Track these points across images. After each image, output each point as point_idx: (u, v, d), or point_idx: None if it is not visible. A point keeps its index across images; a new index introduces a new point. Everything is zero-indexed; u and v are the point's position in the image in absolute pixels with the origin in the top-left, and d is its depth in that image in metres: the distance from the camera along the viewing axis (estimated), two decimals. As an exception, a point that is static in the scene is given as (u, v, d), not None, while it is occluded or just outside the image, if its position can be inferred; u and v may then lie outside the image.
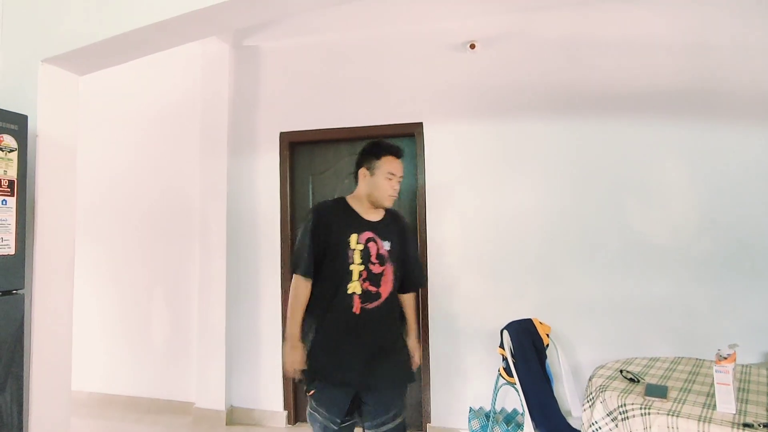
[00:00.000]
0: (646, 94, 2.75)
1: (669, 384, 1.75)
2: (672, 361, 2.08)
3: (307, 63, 3.36)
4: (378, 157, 1.91)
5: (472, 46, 3.04)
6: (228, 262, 3.31)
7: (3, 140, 1.68)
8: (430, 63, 3.13)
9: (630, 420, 1.53)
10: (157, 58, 2.55)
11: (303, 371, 1.82)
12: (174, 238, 3.51)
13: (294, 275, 1.87)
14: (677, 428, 1.40)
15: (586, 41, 2.86)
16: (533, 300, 2.81)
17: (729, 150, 2.61)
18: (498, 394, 2.63)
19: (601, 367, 2.04)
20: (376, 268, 1.84)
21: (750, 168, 2.57)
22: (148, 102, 3.66)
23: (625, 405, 1.58)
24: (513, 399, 2.73)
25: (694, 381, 1.80)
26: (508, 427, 2.52)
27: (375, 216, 1.92)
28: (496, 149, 2.99)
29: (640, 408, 1.52)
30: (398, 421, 1.85)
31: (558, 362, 2.57)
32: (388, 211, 1.98)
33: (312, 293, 1.86)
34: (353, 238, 1.83)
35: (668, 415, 1.44)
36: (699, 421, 1.39)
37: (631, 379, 1.83)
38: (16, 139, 1.72)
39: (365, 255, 1.82)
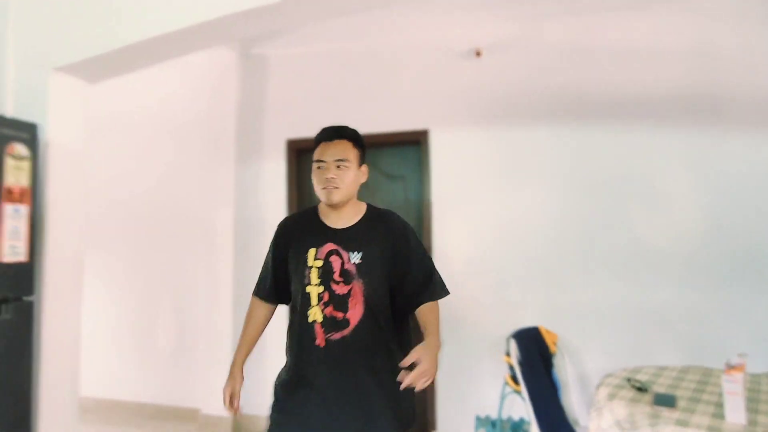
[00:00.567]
0: (651, 100, 2.75)
1: (677, 393, 1.74)
2: (680, 370, 2.07)
3: (314, 71, 3.39)
4: (314, 150, 1.55)
5: (478, 54, 3.06)
6: (235, 268, 3.32)
7: (14, 149, 1.70)
8: (436, 71, 3.15)
9: (638, 430, 1.52)
10: (164, 66, 2.58)
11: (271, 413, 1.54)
12: (181, 245, 3.53)
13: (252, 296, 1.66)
14: (686, 438, 1.39)
15: (591, 48, 2.87)
16: (539, 307, 2.81)
17: (735, 155, 2.60)
18: (504, 402, 2.62)
19: (609, 375, 2.03)
20: (340, 288, 1.46)
21: (756, 174, 2.57)
22: (155, 109, 3.70)
23: (633, 414, 1.57)
24: (520, 407, 2.72)
25: (703, 390, 1.78)
26: (514, 435, 2.50)
27: (347, 221, 1.52)
28: (502, 156, 2.99)
29: (649, 417, 1.51)
30: None
31: (565, 370, 2.56)
32: (369, 212, 1.56)
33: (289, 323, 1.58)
34: (311, 253, 1.48)
35: (677, 425, 1.43)
36: (708, 431, 1.38)
37: (639, 388, 1.82)
38: (27, 148, 1.74)
39: (325, 273, 1.46)
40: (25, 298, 1.72)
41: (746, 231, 2.56)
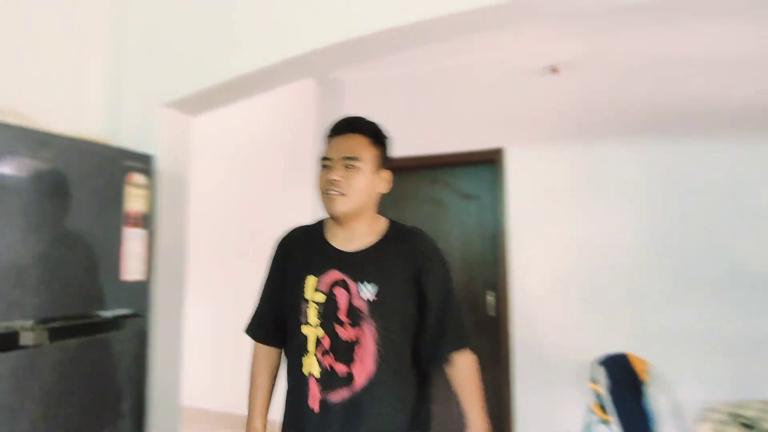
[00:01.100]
0: (739, 111, 2.59)
1: (795, 434, 1.60)
2: (794, 407, 1.90)
3: (388, 94, 3.49)
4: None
5: (555, 70, 3.02)
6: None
7: (134, 178, 1.90)
8: (511, 88, 3.14)
9: (754, 472, 1.42)
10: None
11: None
12: (263, 266, 3.71)
13: None
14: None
15: (672, 60, 2.75)
16: (626, 331, 2.68)
17: None
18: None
19: (710, 409, 1.91)
20: (345, 332, 1.11)
21: None
22: (239, 134, 3.94)
23: (746, 455, 1.47)
24: (606, 437, 2.60)
25: (826, 432, 1.64)
26: (602, 466, 2.40)
27: (360, 242, 1.17)
28: (582, 173, 2.92)
29: (766, 460, 1.41)
30: None
31: (657, 400, 2.42)
32: (391, 231, 1.20)
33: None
34: (309, 282, 1.15)
35: (801, 470, 1.33)
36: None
37: (747, 426, 1.69)
38: (145, 177, 1.94)
39: (327, 310, 1.12)
40: (142, 314, 1.89)
41: None
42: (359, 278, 1.12)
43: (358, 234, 1.18)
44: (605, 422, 2.32)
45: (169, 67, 2.25)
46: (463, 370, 1.17)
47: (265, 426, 1.22)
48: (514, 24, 2.76)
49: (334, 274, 1.14)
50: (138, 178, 1.91)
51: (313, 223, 1.28)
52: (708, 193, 2.62)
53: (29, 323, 1.50)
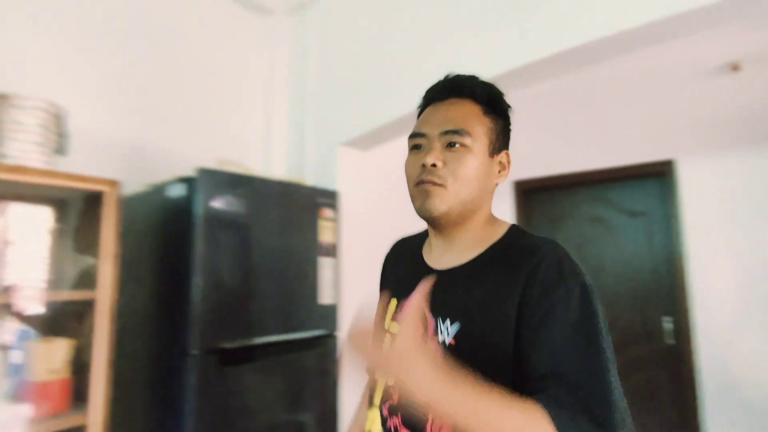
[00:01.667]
0: None
1: None
2: None
3: (541, 108, 3.43)
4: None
5: (735, 68, 2.71)
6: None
7: (325, 213, 2.13)
8: (680, 92, 2.89)
9: None
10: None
11: None
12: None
13: None
14: None
15: None
16: None
17: None
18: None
19: None
20: None
21: None
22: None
23: None
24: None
25: None
26: None
27: (458, 256, 0.84)
28: (773, 184, 2.56)
29: None
30: None
31: None
32: (504, 241, 0.83)
33: None
34: (391, 306, 0.91)
35: None
36: None
37: None
38: (333, 211, 2.16)
39: None
40: (333, 334, 2.10)
41: None
42: (438, 311, 0.79)
43: (460, 244, 0.84)
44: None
45: (344, 109, 2.50)
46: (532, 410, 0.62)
47: None
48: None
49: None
50: (328, 212, 2.14)
51: (422, 231, 0.97)
52: None
53: (236, 343, 1.76)
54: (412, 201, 0.85)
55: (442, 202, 0.80)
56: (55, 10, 1.91)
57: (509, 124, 0.89)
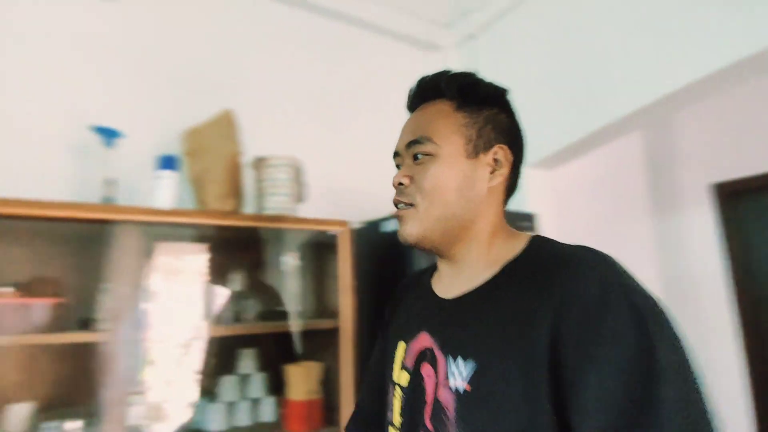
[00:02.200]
0: None
1: None
2: None
3: (727, 116, 3.04)
4: None
5: None
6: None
7: (522, 236, 2.15)
8: None
9: None
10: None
11: None
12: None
13: None
14: None
15: None
16: None
17: None
18: None
19: None
20: None
21: None
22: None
23: None
24: None
25: None
26: None
27: (468, 281, 0.71)
28: None
29: None
30: None
31: None
32: (527, 256, 0.67)
33: None
34: (398, 353, 0.77)
35: None
36: None
37: None
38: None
39: (411, 402, 0.70)
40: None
41: None
42: (448, 347, 0.65)
43: (468, 267, 0.71)
44: None
45: (528, 131, 2.50)
46: None
47: None
48: None
49: (423, 339, 0.70)
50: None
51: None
52: None
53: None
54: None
55: (413, 225, 0.70)
56: (288, 87, 2.29)
57: (504, 112, 0.74)
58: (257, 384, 1.73)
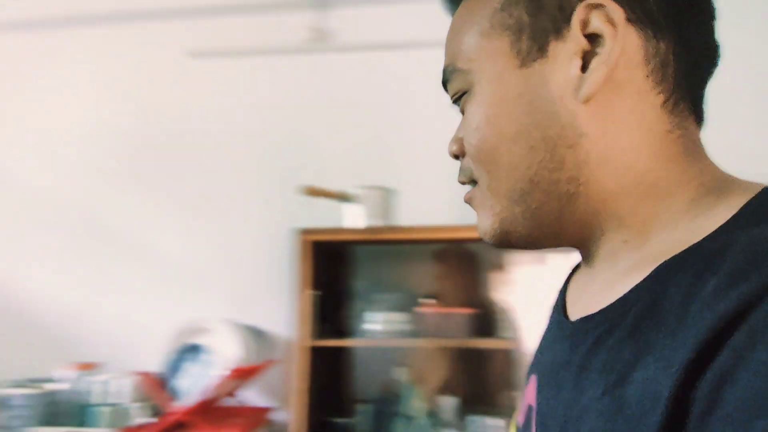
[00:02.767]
0: None
1: None
2: None
3: None
4: None
5: None
6: None
7: None
8: None
9: None
10: None
11: None
12: None
13: None
14: None
15: None
16: None
17: None
18: None
19: None
20: None
21: None
22: None
23: None
24: None
25: None
26: None
27: (611, 290, 0.29)
28: None
29: None
30: None
31: None
32: (718, 236, 0.24)
33: None
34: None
35: None
36: None
37: None
38: None
39: None
40: None
41: None
42: (541, 417, 0.37)
43: (605, 265, 0.36)
44: None
45: None
46: None
47: None
48: None
49: (530, 390, 0.41)
50: None
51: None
52: None
53: None
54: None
55: (484, 216, 0.39)
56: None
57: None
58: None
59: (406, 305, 1.55)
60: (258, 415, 1.64)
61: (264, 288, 1.84)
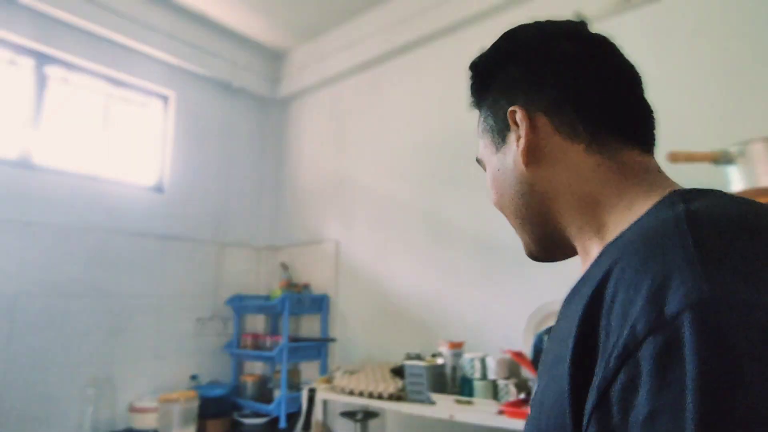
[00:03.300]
0: None
1: None
2: None
3: None
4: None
5: None
6: None
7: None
8: None
9: None
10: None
11: None
12: None
13: None
14: None
15: None
16: None
17: None
18: None
19: None
20: None
21: None
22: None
23: None
24: None
25: None
26: None
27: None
28: None
29: None
30: None
31: None
32: (635, 227, 0.41)
33: None
34: None
35: None
36: None
37: None
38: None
39: None
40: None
41: None
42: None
43: (587, 258, 0.51)
44: None
45: None
46: None
47: None
48: None
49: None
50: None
51: None
52: None
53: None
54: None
55: (525, 245, 0.59)
56: None
57: (515, 60, 0.55)
58: None
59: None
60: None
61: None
